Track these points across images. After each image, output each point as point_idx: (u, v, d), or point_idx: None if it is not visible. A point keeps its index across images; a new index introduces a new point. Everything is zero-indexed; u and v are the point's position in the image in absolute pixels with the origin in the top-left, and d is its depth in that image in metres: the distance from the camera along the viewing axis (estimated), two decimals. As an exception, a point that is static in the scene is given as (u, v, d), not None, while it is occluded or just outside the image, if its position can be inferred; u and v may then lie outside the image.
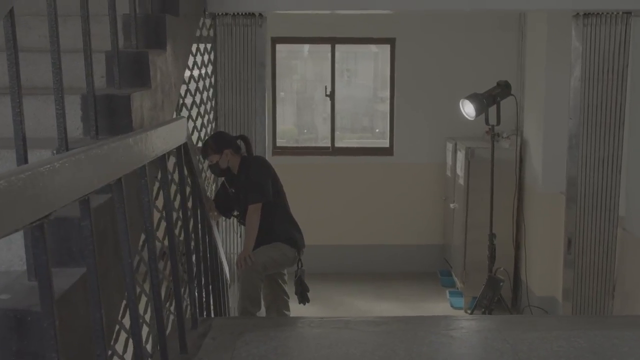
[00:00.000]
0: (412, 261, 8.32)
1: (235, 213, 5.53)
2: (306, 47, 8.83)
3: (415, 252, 8.32)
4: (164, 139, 2.40)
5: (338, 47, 8.27)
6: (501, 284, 6.13)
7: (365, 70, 9.08)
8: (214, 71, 5.31)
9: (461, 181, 7.26)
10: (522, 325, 3.22)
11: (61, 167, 1.44)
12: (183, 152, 2.85)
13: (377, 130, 8.79)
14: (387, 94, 8.34)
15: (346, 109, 8.64)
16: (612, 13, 5.12)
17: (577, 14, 5.19)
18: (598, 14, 5.12)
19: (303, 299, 5.54)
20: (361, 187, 8.26)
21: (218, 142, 5.24)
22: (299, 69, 9.14)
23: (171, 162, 3.06)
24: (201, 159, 5.23)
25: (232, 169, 5.31)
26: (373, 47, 8.70)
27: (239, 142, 5.32)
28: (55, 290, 1.73)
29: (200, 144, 5.32)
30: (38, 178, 1.34)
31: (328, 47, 8.24)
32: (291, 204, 5.54)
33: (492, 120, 6.07)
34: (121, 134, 2.55)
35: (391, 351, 2.78)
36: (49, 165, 1.39)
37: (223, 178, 5.44)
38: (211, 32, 5.21)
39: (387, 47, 8.21)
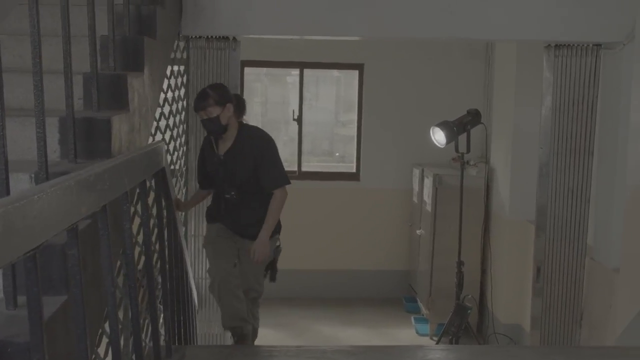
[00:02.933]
0: (377, 287, 8.30)
1: (232, 194, 4.75)
2: (264, 70, 8.75)
3: (380, 277, 8.31)
4: (145, 164, 2.35)
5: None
6: (469, 311, 6.12)
7: (327, 95, 9.06)
8: (186, 94, 5.25)
9: (428, 207, 7.27)
10: (498, 356, 3.21)
11: (53, 194, 1.39)
12: (161, 177, 2.80)
13: (337, 154, 8.78)
14: (349, 118, 8.37)
15: (308, 132, 8.58)
16: (583, 45, 5.19)
17: (549, 45, 5.25)
18: (569, 45, 5.20)
19: (273, 278, 4.99)
20: (327, 212, 8.23)
21: (222, 93, 4.51)
22: (259, 92, 9.08)
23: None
24: (194, 110, 4.64)
25: (227, 132, 4.63)
26: (335, 72, 8.69)
27: None
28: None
29: (172, 167, 5.14)
30: (31, 206, 1.28)
31: (288, 70, 8.23)
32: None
33: (462, 148, 6.09)
34: (99, 158, 2.50)
35: (371, 382, 2.75)
36: (41, 193, 1.34)
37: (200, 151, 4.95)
38: (184, 55, 5.16)
39: (351, 72, 8.24)
